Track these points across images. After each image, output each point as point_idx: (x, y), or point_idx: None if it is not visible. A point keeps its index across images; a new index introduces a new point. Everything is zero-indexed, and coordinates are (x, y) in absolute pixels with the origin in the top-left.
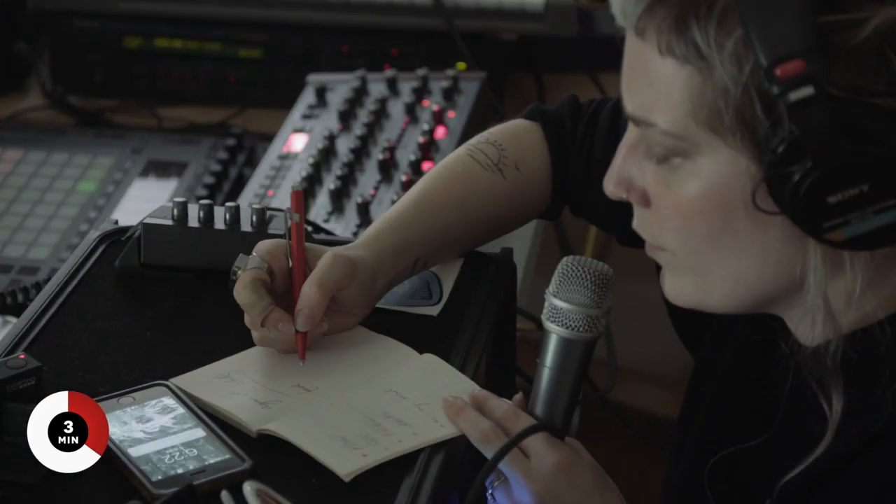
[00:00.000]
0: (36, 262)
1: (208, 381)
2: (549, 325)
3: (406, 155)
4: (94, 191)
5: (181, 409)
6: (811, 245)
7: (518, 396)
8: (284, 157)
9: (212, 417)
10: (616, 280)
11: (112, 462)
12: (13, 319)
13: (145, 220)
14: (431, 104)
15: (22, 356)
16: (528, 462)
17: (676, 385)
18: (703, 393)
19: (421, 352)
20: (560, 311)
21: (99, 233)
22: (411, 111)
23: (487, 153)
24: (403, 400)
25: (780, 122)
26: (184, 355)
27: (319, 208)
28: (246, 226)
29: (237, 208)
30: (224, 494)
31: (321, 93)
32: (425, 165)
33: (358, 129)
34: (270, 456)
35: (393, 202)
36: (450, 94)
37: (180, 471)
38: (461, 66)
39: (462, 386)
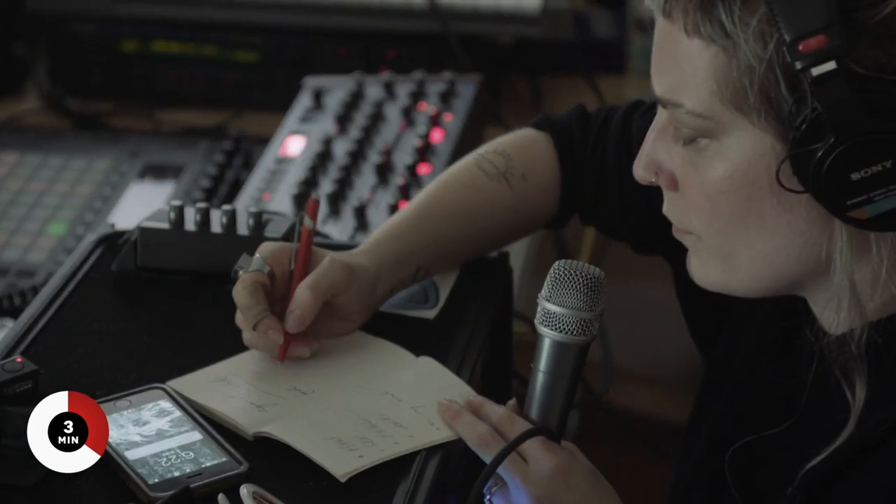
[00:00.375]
0: (33, 265)
1: (205, 384)
2: (543, 330)
3: (403, 158)
4: (91, 194)
5: (178, 412)
6: (837, 226)
7: (512, 402)
8: (281, 160)
9: (208, 420)
10: (613, 283)
11: (109, 465)
12: (10, 323)
13: (142, 224)
14: (428, 107)
15: (19, 359)
16: (526, 466)
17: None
18: (720, 384)
19: (417, 355)
20: (553, 314)
21: (96, 236)
22: (408, 114)
23: (494, 162)
24: (399, 402)
25: (804, 98)
26: (180, 358)
27: None
28: (242, 229)
29: (234, 212)
30: (221, 497)
31: (318, 96)
32: (422, 169)
33: (354, 132)
34: (267, 459)
35: (389, 205)
36: (446, 98)
37: (177, 474)
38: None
39: (458, 389)
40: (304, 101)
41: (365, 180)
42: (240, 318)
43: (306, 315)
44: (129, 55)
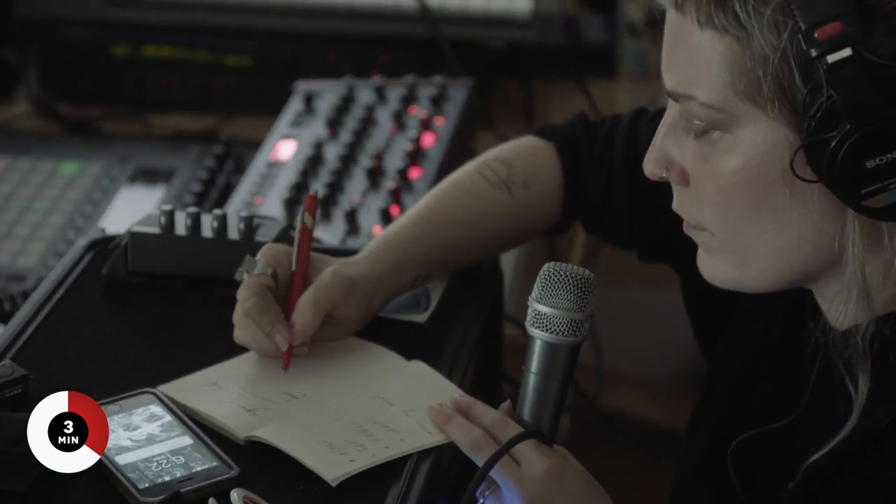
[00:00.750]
0: (23, 270)
1: (196, 388)
2: (533, 331)
3: (394, 162)
4: (82, 198)
5: (168, 417)
6: (850, 217)
7: (506, 405)
8: (272, 164)
9: (199, 425)
10: (603, 288)
11: (99, 470)
12: (0, 327)
13: (132, 229)
14: (419, 111)
15: (9, 364)
16: (519, 469)
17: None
18: (722, 380)
19: (409, 359)
20: (543, 315)
21: (86, 241)
22: (399, 119)
23: (496, 170)
24: (391, 406)
25: (818, 87)
26: (171, 363)
27: None
28: (233, 233)
29: (224, 216)
30: (211, 502)
31: (309, 100)
32: (413, 173)
33: (345, 136)
34: (258, 463)
35: (380, 210)
36: (437, 102)
37: (167, 478)
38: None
39: (449, 393)
40: (295, 106)
41: (356, 184)
42: (238, 318)
43: (308, 331)
44: (119, 60)
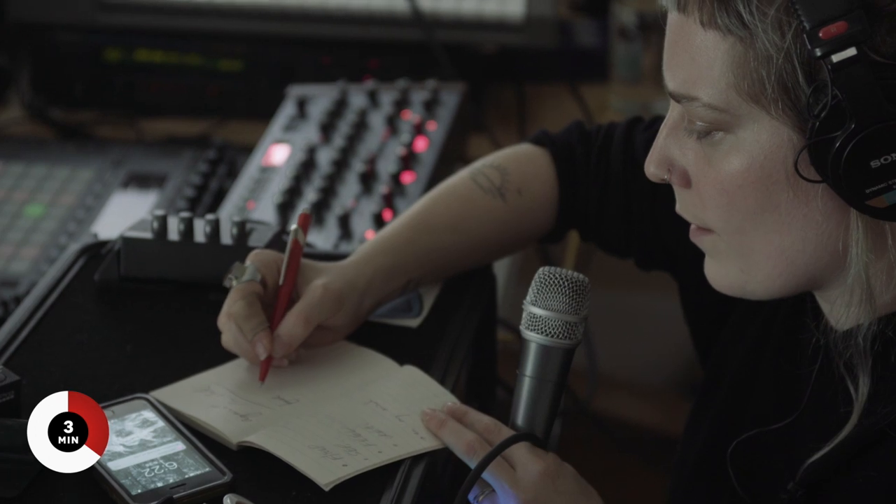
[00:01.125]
0: (15, 275)
1: (188, 393)
2: (528, 334)
3: (387, 166)
4: (74, 203)
5: (161, 423)
6: (853, 217)
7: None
8: (265, 169)
9: (192, 430)
10: (596, 293)
11: (92, 476)
12: None
13: (125, 234)
14: (412, 116)
15: (1, 370)
16: (514, 471)
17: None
18: (721, 380)
19: (401, 363)
20: (538, 318)
21: (79, 246)
22: (392, 123)
23: (490, 176)
24: (384, 411)
25: (823, 87)
26: (164, 368)
27: None
28: (226, 238)
29: (217, 221)
30: None
31: (301, 104)
32: (405, 177)
33: (338, 140)
34: (250, 469)
35: (373, 214)
36: (430, 106)
37: (160, 484)
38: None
39: (442, 398)
40: (287, 110)
41: (349, 189)
42: (222, 321)
43: (292, 343)
44: (112, 64)
